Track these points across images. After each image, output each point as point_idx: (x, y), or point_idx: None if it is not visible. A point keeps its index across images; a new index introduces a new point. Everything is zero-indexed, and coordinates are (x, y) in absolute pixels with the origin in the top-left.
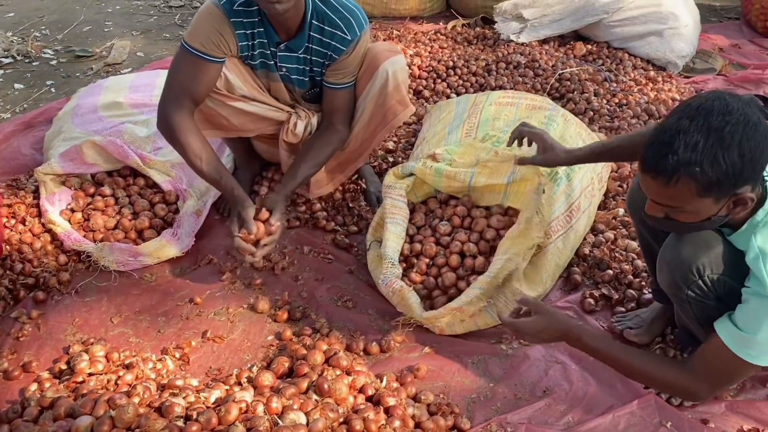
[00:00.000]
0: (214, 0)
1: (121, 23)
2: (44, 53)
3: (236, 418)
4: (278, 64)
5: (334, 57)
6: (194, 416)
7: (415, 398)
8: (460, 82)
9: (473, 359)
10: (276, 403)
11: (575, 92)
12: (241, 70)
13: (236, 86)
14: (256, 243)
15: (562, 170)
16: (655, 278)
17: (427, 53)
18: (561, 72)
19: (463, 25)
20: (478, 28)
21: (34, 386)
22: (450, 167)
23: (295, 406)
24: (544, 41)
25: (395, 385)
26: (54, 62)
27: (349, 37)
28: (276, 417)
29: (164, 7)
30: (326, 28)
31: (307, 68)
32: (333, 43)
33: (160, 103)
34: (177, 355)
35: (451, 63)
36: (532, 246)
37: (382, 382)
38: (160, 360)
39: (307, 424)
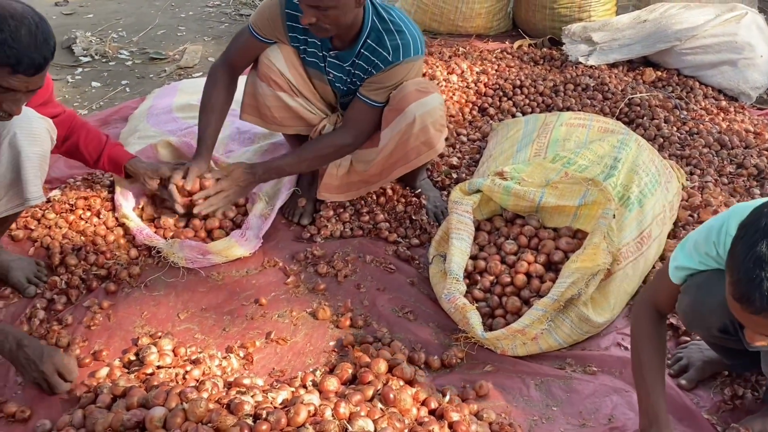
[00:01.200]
0: None
1: (193, 28)
2: (120, 54)
3: (305, 420)
4: (327, 68)
5: (372, 72)
6: (263, 415)
7: (477, 416)
8: (527, 101)
9: (536, 381)
10: (344, 409)
11: (645, 118)
12: (295, 62)
13: (286, 76)
14: (190, 195)
15: (633, 195)
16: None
17: (494, 71)
18: (631, 96)
19: (529, 44)
20: (545, 49)
21: (105, 370)
22: (519, 186)
23: (363, 413)
24: (612, 65)
25: (457, 400)
26: (129, 63)
27: (391, 59)
28: (345, 422)
29: (235, 15)
30: (378, 49)
31: (349, 80)
32: (377, 61)
33: (216, 60)
34: (241, 354)
35: (518, 82)
36: (598, 271)
37: (444, 396)
38: (225, 358)
39: None
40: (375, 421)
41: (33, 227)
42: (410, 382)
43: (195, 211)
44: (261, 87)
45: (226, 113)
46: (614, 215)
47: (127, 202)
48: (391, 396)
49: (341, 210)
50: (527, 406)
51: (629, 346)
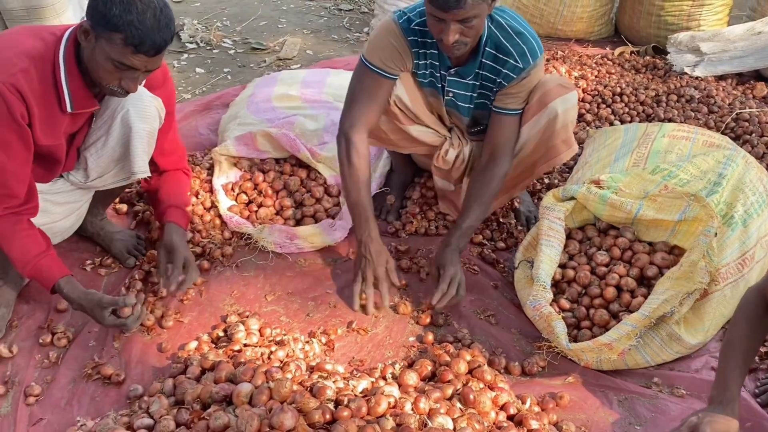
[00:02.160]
0: (393, 17)
1: (293, 21)
2: (223, 42)
3: (385, 411)
4: (446, 88)
5: (503, 84)
6: (345, 402)
7: (556, 426)
8: (626, 110)
9: (619, 397)
10: (424, 404)
11: (753, 134)
12: (411, 86)
13: (405, 103)
14: None
15: (738, 214)
16: None
17: (594, 77)
18: (739, 111)
19: (631, 52)
20: (647, 57)
21: (194, 344)
22: (615, 196)
23: (442, 411)
24: (720, 77)
25: (536, 409)
26: (232, 51)
27: (521, 65)
28: (425, 417)
29: (334, 10)
30: (500, 55)
31: (475, 95)
32: (504, 70)
33: (342, 117)
34: (323, 340)
35: (618, 89)
36: (694, 290)
37: (524, 404)
38: (307, 342)
39: (454, 431)
40: (454, 420)
41: (135, 201)
42: (490, 386)
43: (435, 304)
44: None
45: (370, 184)
46: (716, 233)
47: (223, 186)
48: (471, 397)
49: (426, 207)
50: (609, 421)
51: None
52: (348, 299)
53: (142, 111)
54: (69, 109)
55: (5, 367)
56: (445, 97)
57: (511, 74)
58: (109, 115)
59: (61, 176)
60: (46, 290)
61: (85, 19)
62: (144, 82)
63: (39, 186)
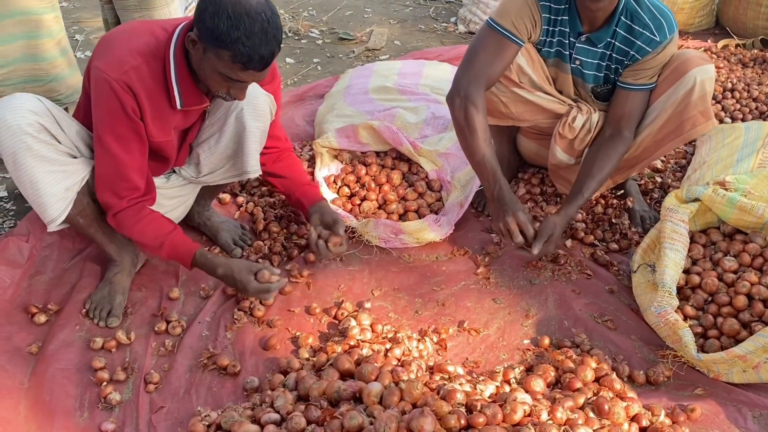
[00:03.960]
0: None
1: (379, 11)
2: (311, 32)
3: (521, 419)
4: (573, 55)
5: (636, 57)
6: (478, 407)
7: None
8: (738, 106)
9: (754, 412)
10: (561, 414)
11: None
12: (533, 58)
13: (527, 72)
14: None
15: None
16: None
17: None
18: None
19: (736, 45)
20: (755, 50)
21: (307, 338)
22: (745, 199)
23: (581, 421)
24: None
25: (667, 421)
26: (319, 42)
27: (658, 39)
28: (569, 429)
29: (419, 0)
30: (635, 26)
31: (604, 64)
32: (638, 42)
33: (458, 76)
34: (434, 340)
35: (729, 85)
36: None
37: (656, 416)
38: (419, 341)
39: None
40: None
41: (238, 192)
42: (620, 395)
43: (535, 252)
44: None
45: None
46: None
47: (325, 178)
48: (606, 407)
49: (532, 204)
50: None
51: None
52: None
53: (255, 109)
54: (179, 106)
55: (124, 354)
56: (572, 65)
57: (647, 47)
58: (223, 113)
59: (173, 171)
60: (185, 266)
61: (192, 26)
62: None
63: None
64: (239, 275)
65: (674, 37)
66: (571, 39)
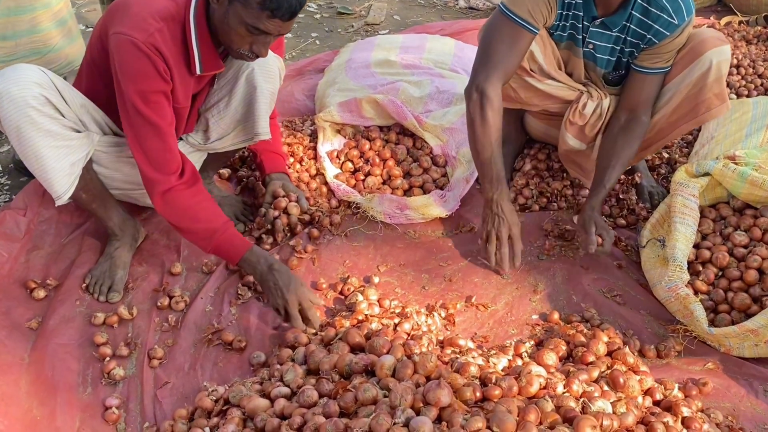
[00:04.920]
0: None
1: None
2: (309, 7)
3: (537, 391)
4: (586, 39)
5: (653, 41)
6: (493, 380)
7: (703, 413)
8: (743, 83)
9: (766, 387)
10: (577, 386)
11: None
12: (545, 43)
13: (538, 61)
14: None
15: None
16: None
17: None
18: None
19: (740, 22)
20: (758, 27)
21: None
22: (757, 173)
23: (597, 394)
24: None
25: (680, 395)
26: (318, 16)
27: (676, 22)
28: (587, 401)
29: None
30: (652, 9)
31: (618, 48)
32: (655, 26)
33: (475, 68)
34: (443, 315)
35: (734, 61)
36: None
37: (669, 390)
38: (428, 315)
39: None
40: (612, 404)
41: (238, 167)
42: (633, 369)
43: (591, 250)
44: None
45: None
46: None
47: (327, 153)
48: (621, 380)
49: (539, 180)
50: (757, 412)
51: None
52: (483, 256)
53: (266, 70)
54: (198, 71)
55: (126, 329)
56: (584, 49)
57: (664, 31)
58: (233, 75)
59: (181, 139)
60: (231, 262)
61: None
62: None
63: None
64: (297, 279)
65: (691, 18)
66: (585, 23)
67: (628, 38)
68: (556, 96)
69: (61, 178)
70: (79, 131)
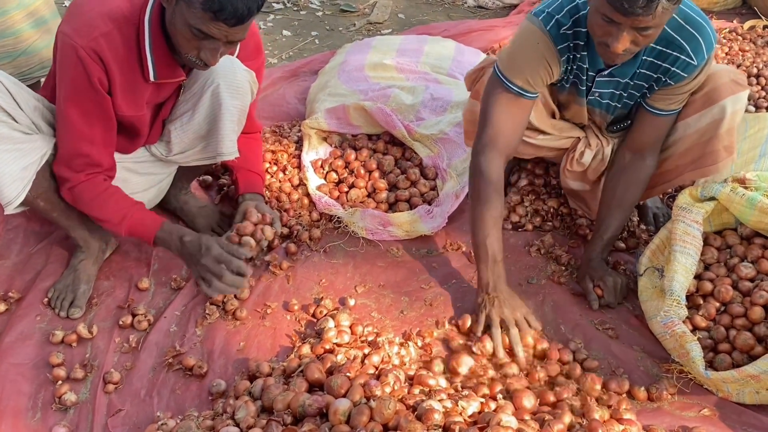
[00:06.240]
0: (539, 24)
1: None
2: (311, 3)
3: None
4: (592, 89)
5: (668, 83)
6: (456, 430)
7: None
8: (763, 93)
9: None
10: None
11: None
12: (539, 102)
13: (531, 120)
14: None
15: None
16: None
17: (723, 54)
18: None
19: (764, 26)
20: None
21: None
22: (766, 199)
23: None
24: None
25: None
26: (319, 14)
27: (695, 63)
28: None
29: None
30: (666, 50)
31: (625, 94)
32: (672, 68)
33: (477, 141)
34: (419, 344)
35: (754, 70)
36: None
37: None
38: (402, 345)
39: None
40: None
41: (220, 175)
42: (617, 417)
43: (595, 308)
44: None
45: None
46: None
47: (312, 163)
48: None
49: (533, 197)
50: None
51: None
52: (480, 348)
53: (234, 85)
54: (152, 78)
55: (84, 349)
56: (589, 98)
57: (682, 73)
58: (199, 88)
59: (145, 148)
60: (147, 241)
61: None
62: (236, 53)
63: (117, 154)
64: (207, 240)
65: (711, 55)
66: (590, 74)
67: (635, 82)
68: (549, 147)
69: (9, 183)
70: (32, 134)
